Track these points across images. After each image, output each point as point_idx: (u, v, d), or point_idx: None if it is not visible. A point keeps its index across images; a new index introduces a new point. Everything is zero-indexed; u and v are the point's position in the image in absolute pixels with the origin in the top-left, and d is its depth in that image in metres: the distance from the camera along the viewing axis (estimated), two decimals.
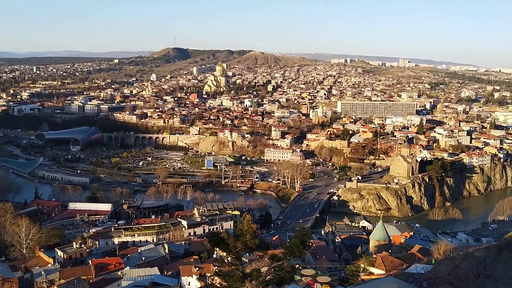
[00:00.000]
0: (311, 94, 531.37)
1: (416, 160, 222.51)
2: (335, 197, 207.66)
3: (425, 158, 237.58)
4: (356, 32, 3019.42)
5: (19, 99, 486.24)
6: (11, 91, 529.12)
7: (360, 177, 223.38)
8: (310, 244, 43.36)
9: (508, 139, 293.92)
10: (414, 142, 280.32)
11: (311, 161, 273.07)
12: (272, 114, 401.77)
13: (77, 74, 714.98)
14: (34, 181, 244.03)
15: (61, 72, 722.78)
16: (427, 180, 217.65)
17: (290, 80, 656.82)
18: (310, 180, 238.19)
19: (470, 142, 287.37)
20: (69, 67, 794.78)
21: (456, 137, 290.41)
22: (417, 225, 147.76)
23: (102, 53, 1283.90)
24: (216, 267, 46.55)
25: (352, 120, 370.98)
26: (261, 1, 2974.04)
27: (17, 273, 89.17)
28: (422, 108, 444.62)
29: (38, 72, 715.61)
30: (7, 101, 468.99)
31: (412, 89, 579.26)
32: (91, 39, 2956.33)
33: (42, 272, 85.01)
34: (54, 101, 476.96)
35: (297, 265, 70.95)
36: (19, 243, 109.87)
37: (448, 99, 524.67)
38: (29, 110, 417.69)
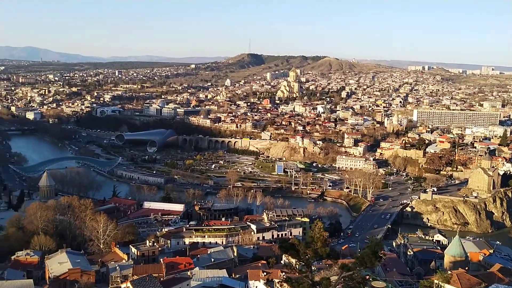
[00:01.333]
0: (386, 102, 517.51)
1: (498, 173, 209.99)
2: (408, 209, 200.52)
3: (508, 172, 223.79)
4: (435, 39, 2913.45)
5: (101, 101, 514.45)
6: (95, 94, 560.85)
7: (435, 189, 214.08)
8: (382, 255, 41.97)
9: None
10: (496, 154, 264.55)
11: (384, 170, 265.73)
12: (345, 121, 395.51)
13: (156, 78, 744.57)
14: (113, 180, 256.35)
15: (141, 76, 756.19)
16: (510, 195, 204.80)
17: (365, 87, 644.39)
18: (382, 189, 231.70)
19: None
20: (148, 71, 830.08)
21: None
22: (498, 242, 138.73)
23: (180, 58, 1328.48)
24: (284, 273, 46.14)
25: (428, 129, 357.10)
26: (336, 7, 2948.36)
27: (94, 267, 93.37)
28: (506, 118, 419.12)
29: (120, 75, 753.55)
30: (91, 103, 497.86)
31: (496, 98, 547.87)
32: (170, 44, 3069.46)
33: (117, 267, 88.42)
34: (133, 104, 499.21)
35: (368, 276, 68.96)
36: (97, 238, 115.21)
37: None
38: (110, 112, 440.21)
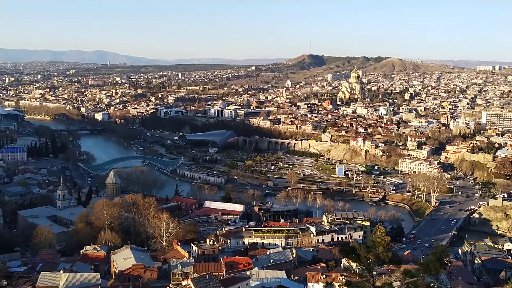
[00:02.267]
0: (452, 104, 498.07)
1: None
2: (475, 215, 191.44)
3: None
4: (506, 38, 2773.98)
5: (165, 103, 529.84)
6: (159, 95, 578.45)
7: (506, 195, 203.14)
8: (448, 263, 40.34)
9: None
10: None
11: (449, 175, 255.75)
12: (409, 123, 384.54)
13: (217, 80, 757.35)
14: (175, 179, 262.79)
15: (203, 78, 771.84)
16: None
17: (430, 88, 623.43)
18: (447, 194, 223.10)
19: None
20: (210, 73, 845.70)
21: None
22: None
23: (241, 60, 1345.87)
24: (344, 277, 45.30)
25: (498, 132, 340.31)
26: (399, 6, 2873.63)
27: (157, 263, 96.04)
28: None
29: (183, 78, 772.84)
30: (155, 104, 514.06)
31: None
32: (231, 47, 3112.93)
33: (178, 265, 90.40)
34: (196, 105, 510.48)
35: (432, 284, 66.47)
36: (159, 235, 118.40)
37: None
38: (173, 113, 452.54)
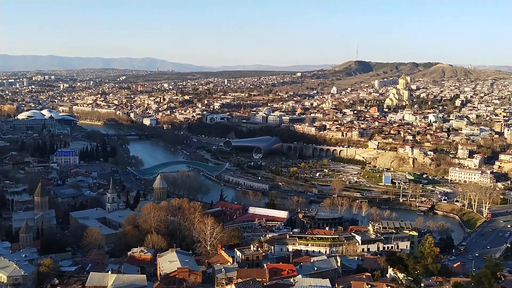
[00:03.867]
0: (507, 111, 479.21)
1: None
2: None
3: None
4: None
5: (211, 109, 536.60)
6: (205, 101, 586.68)
7: None
8: (501, 276, 38.62)
9: None
10: None
11: (503, 185, 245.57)
12: (459, 131, 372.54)
13: (262, 86, 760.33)
14: (220, 184, 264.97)
15: (249, 85, 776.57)
16: None
17: (482, 94, 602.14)
18: (501, 205, 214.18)
19: None
20: (256, 80, 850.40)
21: None
22: None
23: (286, 66, 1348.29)
24: (389, 287, 44.10)
25: None
26: (449, 10, 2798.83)
27: (201, 267, 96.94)
28: None
29: (228, 84, 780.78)
30: (201, 110, 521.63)
31: None
32: (277, 53, 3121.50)
33: (222, 269, 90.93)
34: (241, 112, 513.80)
35: None
36: (204, 240, 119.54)
37: None
38: (219, 119, 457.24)
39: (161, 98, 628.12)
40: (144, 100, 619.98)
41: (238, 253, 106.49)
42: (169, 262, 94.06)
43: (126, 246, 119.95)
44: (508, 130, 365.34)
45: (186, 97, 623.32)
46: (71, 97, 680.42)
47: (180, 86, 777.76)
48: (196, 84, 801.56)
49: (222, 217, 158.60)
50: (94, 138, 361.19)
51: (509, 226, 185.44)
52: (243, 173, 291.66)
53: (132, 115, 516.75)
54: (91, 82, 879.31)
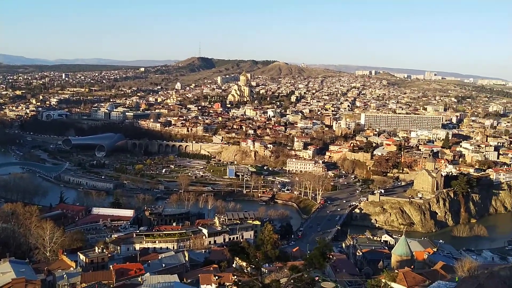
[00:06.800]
0: (335, 106, 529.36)
1: (441, 175, 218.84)
2: (357, 210, 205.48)
3: (450, 173, 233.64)
4: (382, 45, 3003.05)
5: (47, 105, 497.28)
6: (41, 97, 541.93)
7: (383, 191, 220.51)
8: (331, 256, 43.04)
9: None
10: (439, 157, 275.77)
11: (333, 173, 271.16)
12: (295, 125, 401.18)
13: (104, 81, 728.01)
14: (60, 186, 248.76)
15: (89, 79, 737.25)
16: (452, 195, 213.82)
17: (314, 91, 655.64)
18: (332, 192, 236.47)
19: (498, 158, 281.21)
20: (96, 74, 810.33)
21: (483, 152, 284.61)
22: (441, 241, 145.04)
23: (129, 61, 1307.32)
24: (235, 277, 46.43)
25: (375, 132, 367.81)
26: (284, 13, 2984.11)
27: (40, 276, 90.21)
28: (448, 122, 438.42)
29: (67, 79, 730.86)
30: (36, 106, 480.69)
31: (438, 103, 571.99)
32: (119, 47, 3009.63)
33: (64, 275, 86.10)
34: (81, 108, 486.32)
35: (317, 278, 70.32)
36: (43, 245, 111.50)
37: (475, 113, 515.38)
38: (57, 116, 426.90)
39: None
40: None
41: (82, 256, 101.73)
42: (1, 274, 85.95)
43: None
44: (336, 123, 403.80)
45: (18, 92, 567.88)
46: None
47: (10, 80, 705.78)
48: (29, 78, 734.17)
49: (63, 220, 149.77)
50: None
51: (339, 209, 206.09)
52: (85, 172, 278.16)
53: None
54: None
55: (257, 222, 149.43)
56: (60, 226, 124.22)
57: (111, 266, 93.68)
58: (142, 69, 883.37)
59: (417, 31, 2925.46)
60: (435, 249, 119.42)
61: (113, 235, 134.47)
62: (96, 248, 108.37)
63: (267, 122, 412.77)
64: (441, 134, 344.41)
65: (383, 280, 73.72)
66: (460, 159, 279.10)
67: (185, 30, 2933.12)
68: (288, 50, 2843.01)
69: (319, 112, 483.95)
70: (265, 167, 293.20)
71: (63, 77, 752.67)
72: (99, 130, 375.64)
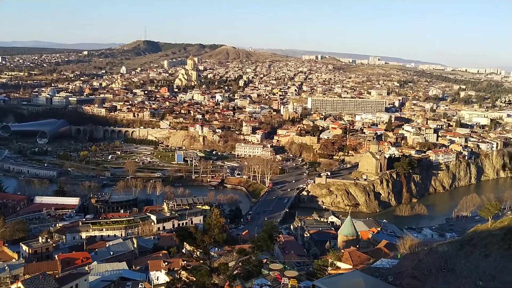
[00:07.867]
0: (282, 90, 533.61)
1: (385, 157, 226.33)
2: (304, 193, 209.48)
3: (393, 155, 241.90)
4: (327, 30, 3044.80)
5: None
6: None
7: (329, 173, 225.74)
8: (278, 238, 43.85)
9: (472, 137, 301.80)
10: (383, 139, 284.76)
11: (281, 157, 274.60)
12: (243, 109, 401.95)
13: (44, 65, 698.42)
14: None
15: (28, 63, 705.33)
16: (394, 176, 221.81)
17: (262, 75, 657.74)
18: (280, 175, 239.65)
19: (437, 140, 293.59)
20: (36, 58, 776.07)
21: (423, 134, 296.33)
22: (385, 220, 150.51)
23: (71, 44, 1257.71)
24: (184, 262, 46.46)
25: (322, 116, 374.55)
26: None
27: None
28: (391, 105, 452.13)
29: (3, 62, 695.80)
30: None
31: (382, 87, 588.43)
32: (59, 30, 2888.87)
33: (6, 267, 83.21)
34: (20, 93, 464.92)
35: (265, 260, 71.53)
36: None
37: (416, 97, 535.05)
38: None
39: None
40: None
41: (24, 247, 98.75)
42: None
43: None
44: (283, 107, 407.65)
45: None
46: None
47: None
48: None
49: (3, 210, 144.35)
50: None
51: (288, 190, 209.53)
52: (26, 160, 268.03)
53: None
54: None
55: (207, 207, 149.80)
56: (0, 217, 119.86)
57: (56, 256, 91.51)
58: (85, 52, 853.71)
59: (361, 16, 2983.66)
60: (379, 229, 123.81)
61: (57, 224, 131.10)
62: (40, 238, 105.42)
63: (215, 106, 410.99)
64: (384, 118, 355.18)
65: (330, 260, 75.96)
66: (402, 142, 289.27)
67: (130, 12, 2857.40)
68: (236, 34, 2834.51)
69: (267, 97, 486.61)
70: (214, 152, 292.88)
71: (0, 60, 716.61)
72: (40, 116, 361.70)
